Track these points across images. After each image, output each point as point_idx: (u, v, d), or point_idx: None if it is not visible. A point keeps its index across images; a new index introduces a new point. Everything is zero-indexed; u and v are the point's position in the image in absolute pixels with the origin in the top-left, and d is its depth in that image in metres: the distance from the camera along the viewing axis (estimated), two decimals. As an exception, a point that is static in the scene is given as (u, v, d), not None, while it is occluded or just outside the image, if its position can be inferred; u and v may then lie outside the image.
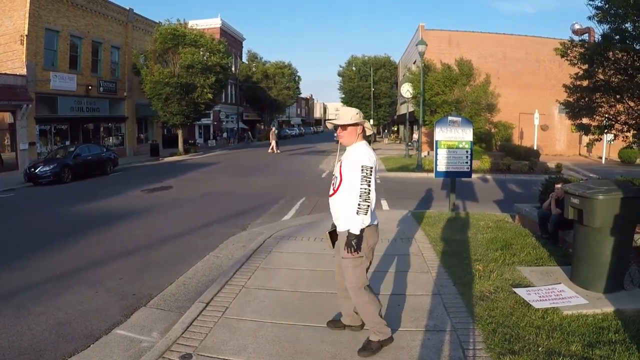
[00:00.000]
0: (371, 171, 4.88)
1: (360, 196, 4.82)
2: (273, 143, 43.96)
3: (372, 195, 4.89)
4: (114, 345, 5.87)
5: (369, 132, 5.34)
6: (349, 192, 4.93)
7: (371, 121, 66.47)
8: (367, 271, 5.30)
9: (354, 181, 4.89)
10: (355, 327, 5.65)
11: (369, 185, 4.84)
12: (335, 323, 5.80)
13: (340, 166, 5.13)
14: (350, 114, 5.15)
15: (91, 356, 5.61)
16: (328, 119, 5.54)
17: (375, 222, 5.18)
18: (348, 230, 4.94)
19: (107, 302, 7.46)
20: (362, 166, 4.87)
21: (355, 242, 4.89)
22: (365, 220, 4.88)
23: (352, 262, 5.05)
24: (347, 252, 4.95)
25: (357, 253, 4.97)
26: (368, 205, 4.83)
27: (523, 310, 6.01)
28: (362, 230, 4.92)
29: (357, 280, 5.10)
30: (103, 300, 7.52)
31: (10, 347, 5.89)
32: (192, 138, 57.16)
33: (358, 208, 4.82)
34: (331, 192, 5.20)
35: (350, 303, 5.46)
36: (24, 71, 30.39)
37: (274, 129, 50.15)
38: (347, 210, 4.93)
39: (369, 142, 5.55)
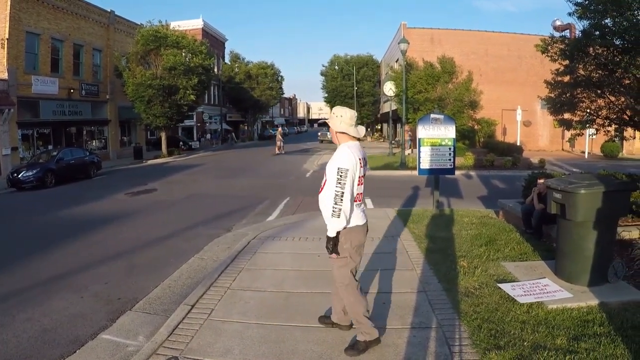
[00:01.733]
0: (346, 174, 4.84)
1: (333, 199, 4.84)
2: (279, 144, 43.74)
3: (347, 198, 4.84)
4: (100, 350, 5.84)
5: (354, 134, 5.23)
6: (328, 192, 4.95)
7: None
8: (355, 271, 5.32)
9: (330, 183, 4.92)
10: (343, 326, 5.68)
11: (343, 188, 4.82)
12: (325, 319, 5.86)
13: (327, 165, 5.16)
14: (339, 121, 5.17)
15: (78, 362, 5.57)
16: (323, 118, 5.55)
17: (362, 223, 5.18)
18: (327, 235, 5.01)
19: (93, 306, 7.42)
20: (338, 168, 4.88)
21: (330, 245, 4.98)
22: (340, 223, 4.88)
23: (337, 262, 5.13)
24: (329, 253, 5.05)
25: (337, 255, 5.03)
26: (340, 209, 4.82)
27: (508, 306, 6.04)
28: (338, 233, 4.95)
29: (343, 279, 5.15)
30: (89, 305, 7.48)
31: (-5, 355, 5.85)
32: (176, 140, 56.90)
33: (332, 211, 4.84)
34: (320, 189, 5.21)
35: (341, 302, 5.49)
36: (5, 75, 30.13)
37: (280, 129, 50.01)
38: (326, 210, 4.96)
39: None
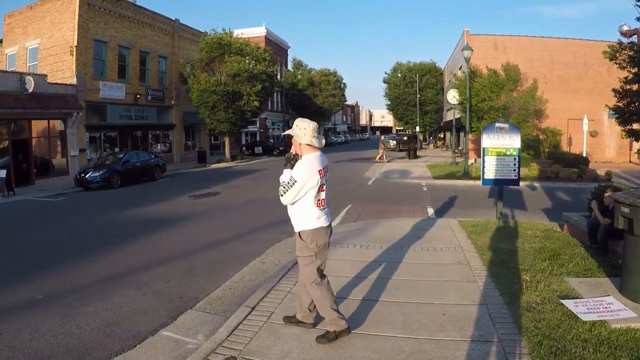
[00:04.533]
0: (293, 184, 5.31)
1: (281, 189, 5.43)
2: (381, 152, 43.52)
3: (289, 196, 5.38)
4: (160, 346, 6.01)
5: (317, 145, 5.55)
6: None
7: (417, 128, 66.21)
8: (322, 270, 5.67)
9: (284, 181, 5.47)
10: (307, 324, 6.00)
11: (284, 192, 5.39)
12: (290, 318, 6.13)
13: None
14: (303, 133, 5.49)
15: (137, 356, 5.76)
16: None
17: (325, 225, 5.59)
18: (302, 235, 5.60)
19: (154, 304, 7.63)
20: (291, 177, 5.35)
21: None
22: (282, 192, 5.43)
23: (304, 261, 5.60)
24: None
25: (297, 252, 5.70)
26: (282, 195, 5.43)
27: (570, 323, 5.91)
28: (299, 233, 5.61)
29: (309, 276, 5.57)
30: (150, 302, 7.70)
31: (59, 344, 6.10)
32: (238, 145, 57.62)
33: (281, 188, 5.45)
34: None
35: (306, 300, 5.86)
36: (74, 81, 31.31)
37: (383, 137, 49.91)
38: (295, 214, 5.62)
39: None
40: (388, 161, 41.67)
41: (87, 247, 11.68)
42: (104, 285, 8.63)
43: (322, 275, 5.62)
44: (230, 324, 6.16)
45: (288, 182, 5.31)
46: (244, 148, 56.67)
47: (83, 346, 6.03)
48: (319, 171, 5.36)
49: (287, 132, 5.54)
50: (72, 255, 10.91)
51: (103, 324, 6.76)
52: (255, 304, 6.89)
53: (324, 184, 5.50)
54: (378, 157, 42.51)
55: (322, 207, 5.56)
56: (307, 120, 5.52)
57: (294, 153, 5.58)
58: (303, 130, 5.43)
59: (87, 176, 25.20)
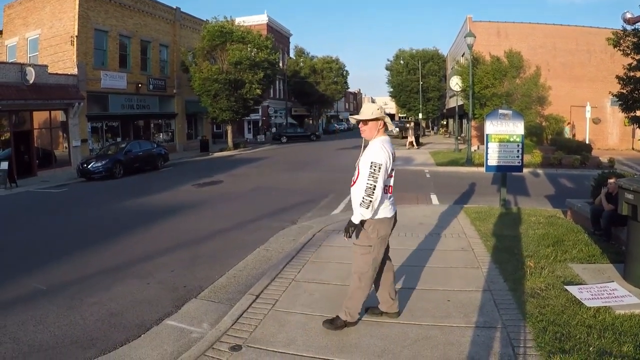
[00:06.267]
0: (379, 168, 5.05)
1: (365, 191, 5.03)
2: (412, 138, 43.20)
3: (378, 192, 5.03)
4: (165, 335, 6.02)
5: (390, 127, 5.49)
6: (361, 185, 5.14)
7: (420, 115, 66.05)
8: (385, 258, 5.62)
9: (364, 175, 5.10)
10: (392, 314, 5.85)
11: (375, 182, 5.01)
12: (373, 310, 5.96)
13: (360, 159, 5.37)
14: (372, 110, 5.34)
15: (142, 345, 5.75)
16: (352, 116, 5.67)
17: (389, 215, 5.36)
18: (364, 223, 5.24)
19: (158, 293, 7.65)
20: (372, 162, 5.08)
21: (352, 230, 5.21)
22: (366, 214, 5.07)
23: (361, 250, 5.37)
24: (345, 235, 5.28)
25: (355, 240, 5.37)
26: (371, 201, 5.02)
27: (574, 309, 5.92)
28: (361, 222, 5.19)
29: (363, 266, 5.36)
30: (154, 292, 7.72)
31: (63, 335, 6.11)
32: (241, 133, 57.96)
33: (362, 201, 5.04)
34: (352, 183, 5.43)
35: (385, 290, 5.76)
36: (74, 71, 31.28)
37: (412, 123, 49.25)
38: (359, 202, 5.14)
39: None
40: (417, 148, 41.47)
41: (90, 238, 11.71)
42: (107, 275, 8.65)
43: (375, 269, 5.48)
44: (234, 313, 6.16)
45: (372, 171, 5.05)
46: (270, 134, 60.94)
47: (87, 337, 6.04)
48: (392, 153, 5.28)
49: (367, 117, 5.33)
50: (75, 246, 10.93)
51: (107, 314, 6.77)
52: (260, 292, 6.90)
53: (393, 169, 5.37)
54: (408, 144, 42.27)
55: (389, 194, 5.39)
56: (376, 103, 5.49)
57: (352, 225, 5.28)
58: (384, 114, 5.36)
59: (89, 166, 25.22)
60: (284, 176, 24.00)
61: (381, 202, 5.20)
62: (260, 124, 65.93)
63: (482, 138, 14.00)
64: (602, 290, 6.48)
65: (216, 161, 34.54)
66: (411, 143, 41.90)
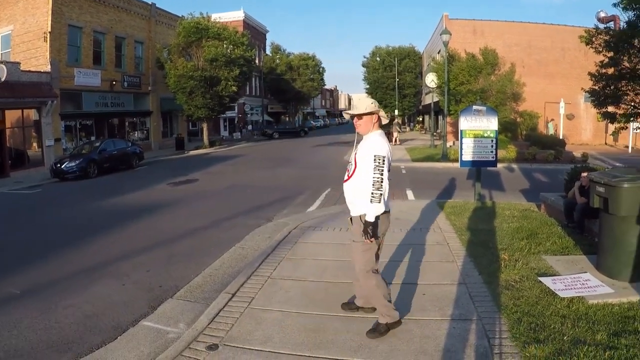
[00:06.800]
0: (384, 160, 5.01)
1: (373, 185, 4.96)
2: (397, 134, 42.96)
3: (385, 184, 5.01)
4: (141, 336, 5.95)
5: (384, 121, 5.46)
6: (362, 179, 5.08)
7: (396, 112, 66.20)
8: (377, 257, 5.48)
9: (367, 169, 5.03)
10: (367, 309, 5.83)
11: (382, 174, 4.98)
12: (349, 305, 5.99)
13: (356, 153, 5.28)
14: (366, 104, 5.35)
15: (118, 348, 5.69)
16: (346, 111, 5.63)
17: (388, 210, 5.29)
18: (364, 219, 5.10)
19: (134, 294, 7.58)
20: (375, 155, 5.01)
21: (371, 230, 5.04)
22: (379, 208, 5.01)
23: (362, 247, 5.25)
24: (365, 238, 5.09)
25: (375, 240, 5.15)
26: (381, 194, 4.98)
27: (548, 299, 6.00)
28: (377, 218, 5.04)
29: (366, 264, 5.28)
30: (130, 293, 7.65)
31: (38, 340, 6.01)
32: (217, 131, 57.85)
33: (372, 197, 4.95)
34: (345, 177, 5.37)
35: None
36: (48, 68, 30.79)
37: (397, 120, 48.87)
38: (360, 196, 5.10)
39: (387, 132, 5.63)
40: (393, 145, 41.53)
41: (65, 239, 11.55)
42: (82, 276, 8.54)
43: (376, 264, 5.47)
44: (211, 312, 6.14)
45: (377, 164, 4.98)
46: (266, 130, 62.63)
47: (64, 340, 5.96)
48: (389, 148, 5.23)
49: (359, 111, 5.30)
50: (49, 248, 10.76)
51: (83, 316, 6.69)
52: (236, 290, 6.88)
53: (390, 164, 5.25)
54: (393, 140, 42.23)
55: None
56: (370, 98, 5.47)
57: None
58: (378, 108, 5.33)
59: (63, 166, 24.76)
60: (260, 174, 23.94)
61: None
62: (236, 122, 65.71)
63: (457, 134, 14.09)
64: (575, 281, 6.57)
65: (192, 159, 34.34)
66: (396, 139, 41.98)
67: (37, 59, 31.25)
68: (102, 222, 13.21)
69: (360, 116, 5.29)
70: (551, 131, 41.12)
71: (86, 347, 5.74)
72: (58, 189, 21.81)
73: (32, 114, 30.40)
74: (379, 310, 5.37)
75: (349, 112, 5.45)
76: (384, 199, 5.03)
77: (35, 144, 31.10)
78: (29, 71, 29.81)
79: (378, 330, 5.29)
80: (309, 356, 4.96)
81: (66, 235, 11.95)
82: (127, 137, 38.02)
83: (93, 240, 11.33)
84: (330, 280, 7.24)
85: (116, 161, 28.13)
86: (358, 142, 5.39)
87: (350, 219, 5.44)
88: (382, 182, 4.97)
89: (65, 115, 32.88)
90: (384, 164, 5.00)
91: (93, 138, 34.70)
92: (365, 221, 5.06)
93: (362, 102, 6.15)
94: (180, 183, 21.17)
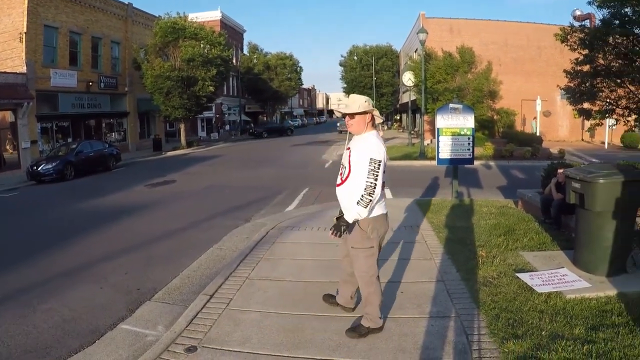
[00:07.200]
0: (379, 165, 4.79)
1: (365, 189, 4.77)
2: (382, 133, 42.83)
3: (378, 190, 4.81)
4: (120, 340, 5.89)
5: (378, 121, 5.26)
6: (357, 183, 4.87)
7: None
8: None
9: (361, 173, 4.83)
10: (347, 308, 5.81)
11: (376, 180, 4.77)
12: (330, 297, 5.98)
13: (349, 155, 5.07)
14: (359, 102, 5.06)
15: (97, 352, 5.62)
16: (337, 108, 5.48)
17: (385, 212, 5.20)
18: (342, 216, 5.00)
19: (112, 297, 7.50)
20: (371, 159, 4.80)
21: (343, 229, 4.97)
22: (363, 212, 4.85)
23: (364, 252, 5.11)
24: (332, 233, 5.04)
25: (339, 237, 5.06)
26: (370, 200, 4.78)
27: (526, 295, 6.03)
28: (355, 221, 4.95)
29: (369, 269, 5.15)
30: (108, 296, 7.56)
31: (16, 345, 5.92)
32: (194, 132, 57.64)
33: (360, 199, 4.78)
34: (339, 181, 5.17)
35: (349, 288, 5.65)
36: (23, 69, 30.37)
37: (382, 118, 48.54)
38: (354, 201, 4.87)
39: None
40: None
41: (42, 243, 11.39)
42: (60, 280, 8.44)
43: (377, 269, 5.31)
44: (189, 314, 6.09)
45: (372, 168, 4.77)
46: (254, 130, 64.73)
47: (41, 345, 5.88)
48: (385, 149, 5.06)
49: (354, 110, 5.06)
50: (26, 251, 10.61)
51: (61, 320, 6.61)
52: (214, 291, 6.83)
53: (385, 165, 5.04)
54: None
55: (382, 191, 5.07)
56: (363, 95, 5.28)
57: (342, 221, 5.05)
58: (372, 106, 5.10)
59: (39, 169, 24.47)
60: (237, 174, 23.87)
61: (378, 200, 4.98)
62: (214, 122, 65.48)
63: (435, 132, 14.13)
64: (552, 276, 6.61)
65: (169, 160, 34.15)
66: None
67: (12, 60, 30.83)
68: (80, 225, 13.06)
69: (353, 115, 5.08)
70: (534, 129, 41.47)
71: (64, 352, 5.67)
72: (35, 192, 21.54)
73: (8, 116, 29.99)
74: (367, 314, 5.27)
75: (341, 110, 5.25)
76: (371, 205, 4.85)
77: (9, 147, 30.70)
78: (5, 72, 29.41)
79: (358, 331, 5.23)
80: (288, 356, 4.94)
81: (44, 239, 11.81)
82: (104, 139, 37.56)
83: (71, 243, 11.19)
84: (308, 280, 7.22)
85: (93, 163, 27.81)
86: (349, 142, 5.24)
87: (336, 218, 5.20)
88: (374, 187, 4.76)
89: (41, 117, 32.43)
90: (379, 168, 4.79)
91: (70, 140, 34.22)
92: (342, 218, 4.99)
93: (354, 100, 6.01)
94: (158, 184, 21.02)
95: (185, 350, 5.13)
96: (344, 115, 5.17)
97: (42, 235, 12.35)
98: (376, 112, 5.18)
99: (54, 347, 5.83)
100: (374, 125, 5.22)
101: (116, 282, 8.19)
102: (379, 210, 5.07)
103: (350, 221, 4.92)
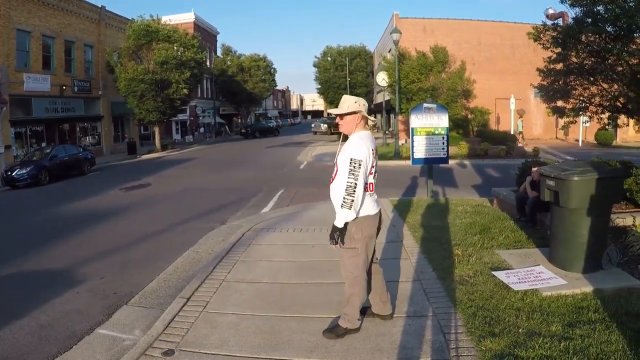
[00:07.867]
0: (360, 165, 4.78)
1: (345, 190, 4.78)
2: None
3: (359, 190, 4.80)
4: (97, 344, 5.84)
5: (370, 123, 5.33)
6: (340, 183, 4.88)
7: None
8: (371, 261, 5.36)
9: (344, 173, 4.85)
10: (384, 316, 5.63)
11: (356, 180, 4.77)
12: (366, 310, 5.74)
13: (338, 155, 5.09)
14: (348, 103, 5.12)
15: (74, 357, 5.57)
16: (329, 110, 5.55)
17: (373, 212, 5.16)
18: (334, 224, 4.97)
19: (89, 302, 7.42)
20: (351, 159, 4.82)
21: (337, 235, 4.94)
22: (350, 215, 4.84)
23: (347, 253, 5.11)
24: (331, 243, 5.02)
25: (341, 245, 5.01)
26: (352, 200, 4.77)
27: (503, 293, 6.06)
28: (345, 224, 4.92)
29: (354, 270, 5.12)
30: (84, 301, 7.48)
31: (-8, 352, 5.84)
32: (169, 134, 57.28)
33: (343, 201, 4.79)
34: (331, 179, 5.15)
35: (376, 294, 5.56)
36: (-4, 74, 30.01)
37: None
38: (339, 204, 4.88)
39: None
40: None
41: (16, 248, 11.26)
42: (35, 286, 8.36)
43: (365, 271, 5.25)
44: (166, 317, 6.05)
45: (352, 168, 4.79)
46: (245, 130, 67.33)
47: (18, 352, 5.80)
48: (372, 150, 5.06)
49: (343, 111, 5.12)
50: (2, 257, 10.44)
51: (37, 326, 6.53)
52: (190, 294, 6.80)
53: (374, 166, 5.12)
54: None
55: (370, 192, 5.13)
56: (355, 96, 5.26)
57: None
58: (363, 106, 5.11)
59: (14, 174, 24.28)
60: (213, 176, 23.77)
61: (362, 201, 4.96)
62: (188, 124, 65.14)
63: (409, 132, 14.16)
64: (529, 274, 6.64)
65: (144, 163, 33.97)
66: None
67: (-15, 64, 30.47)
68: (55, 230, 12.91)
69: (341, 116, 5.16)
70: (520, 128, 41.89)
71: (41, 358, 5.61)
72: (9, 197, 21.34)
73: (-19, 121, 29.61)
74: (345, 315, 5.26)
75: (331, 110, 5.34)
76: (355, 206, 4.83)
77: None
78: (-22, 77, 29.05)
79: (336, 332, 5.23)
80: (265, 358, 4.92)
81: (18, 244, 11.67)
82: (79, 143, 37.19)
83: (46, 248, 11.05)
84: (284, 282, 7.20)
85: (68, 167, 27.60)
86: (342, 142, 5.26)
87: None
88: (355, 187, 4.77)
89: (15, 122, 32.00)
90: (359, 168, 4.79)
91: (44, 144, 33.92)
92: (334, 226, 4.97)
93: (344, 100, 6.06)
94: (133, 188, 20.85)
95: (162, 354, 5.09)
96: (336, 116, 5.23)
97: (17, 240, 12.21)
98: (364, 113, 5.16)
99: (30, 353, 5.77)
100: (366, 126, 5.25)
101: (93, 287, 8.12)
102: (366, 210, 5.05)
103: (340, 225, 4.91)
